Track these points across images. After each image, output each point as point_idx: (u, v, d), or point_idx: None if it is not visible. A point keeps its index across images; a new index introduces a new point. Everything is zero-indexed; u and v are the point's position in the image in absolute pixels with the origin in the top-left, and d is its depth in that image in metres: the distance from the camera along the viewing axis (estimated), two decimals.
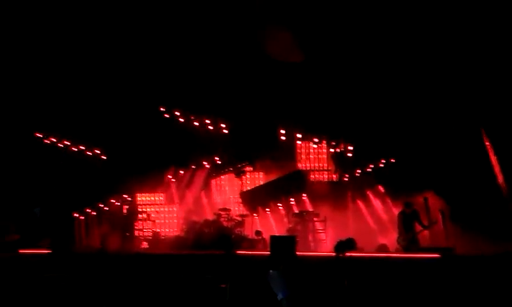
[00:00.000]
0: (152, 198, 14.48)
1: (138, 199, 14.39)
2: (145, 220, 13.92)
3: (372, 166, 13.88)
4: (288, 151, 14.61)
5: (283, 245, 9.13)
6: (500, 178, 11.93)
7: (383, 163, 13.72)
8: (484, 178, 11.95)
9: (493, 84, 11.57)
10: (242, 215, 13.25)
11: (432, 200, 11.71)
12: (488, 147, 12.27)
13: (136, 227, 13.84)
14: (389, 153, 13.47)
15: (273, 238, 9.55)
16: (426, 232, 10.74)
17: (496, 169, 12.04)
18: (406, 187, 12.32)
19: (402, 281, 8.04)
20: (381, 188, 13.55)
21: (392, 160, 13.54)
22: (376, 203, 13.47)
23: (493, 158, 12.16)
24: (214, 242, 11.07)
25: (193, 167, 14.85)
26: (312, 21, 11.84)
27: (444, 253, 9.08)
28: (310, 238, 12.20)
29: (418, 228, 10.54)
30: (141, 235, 13.74)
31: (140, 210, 14.14)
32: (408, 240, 10.29)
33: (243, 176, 14.31)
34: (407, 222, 10.51)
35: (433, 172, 12.25)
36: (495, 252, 9.10)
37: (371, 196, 13.65)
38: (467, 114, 12.05)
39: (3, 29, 12.01)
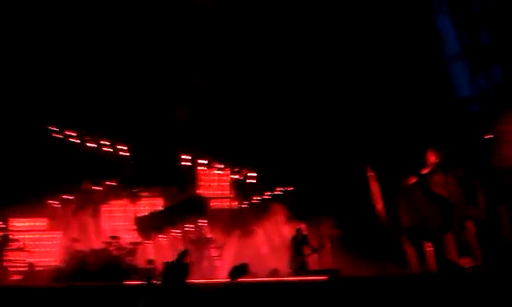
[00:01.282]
0: (32, 224, 12.93)
1: (13, 225, 12.71)
2: (20, 250, 12.29)
3: (270, 193, 14.26)
4: (191, 178, 14.35)
5: (175, 273, 8.71)
6: (379, 206, 13.07)
7: (280, 190, 14.18)
8: (366, 206, 13.00)
9: (378, 126, 12.76)
10: (134, 243, 12.47)
11: (324, 226, 12.36)
12: (370, 178, 13.45)
13: (7, 257, 12.12)
14: (287, 181, 14.00)
15: (165, 265, 9.05)
16: (315, 255, 11.22)
17: (376, 197, 13.20)
18: (301, 213, 12.85)
19: (292, 304, 8.18)
20: (278, 215, 13.92)
21: (289, 188, 14.08)
22: (272, 229, 13.77)
23: (374, 188, 13.33)
24: (99, 272, 10.16)
25: (83, 190, 13.71)
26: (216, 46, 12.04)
27: (330, 275, 9.51)
28: (206, 264, 11.92)
29: (308, 251, 10.96)
30: (12, 266, 12.04)
31: (14, 237, 12.47)
32: (298, 263, 10.63)
33: (138, 202, 13.59)
34: (298, 247, 10.90)
35: (326, 200, 12.98)
36: (376, 273, 9.79)
37: (268, 223, 13.94)
38: (356, 151, 13.09)
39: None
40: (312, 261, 11.02)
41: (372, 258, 11.10)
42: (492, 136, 12.45)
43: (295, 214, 13.04)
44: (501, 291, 7.67)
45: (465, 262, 10.99)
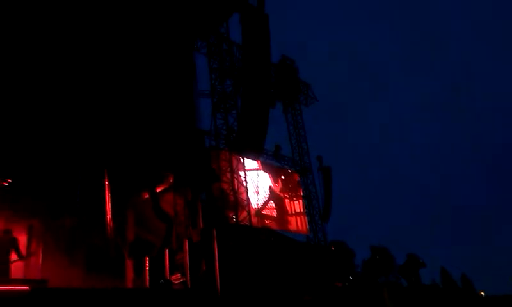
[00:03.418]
0: None
1: None
2: None
3: None
4: None
5: None
6: (109, 216, 12.74)
7: None
8: (97, 214, 12.40)
9: (122, 138, 12.48)
10: None
11: (38, 230, 10.89)
12: (106, 186, 13.00)
13: None
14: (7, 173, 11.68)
15: None
16: (22, 263, 9.71)
17: (108, 207, 12.83)
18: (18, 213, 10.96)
19: None
20: None
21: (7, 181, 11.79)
22: None
23: (107, 197, 12.93)
24: None
25: None
26: None
27: (34, 285, 8.39)
28: None
29: (14, 257, 9.38)
30: None
31: None
32: None
33: None
34: (1, 251, 9.18)
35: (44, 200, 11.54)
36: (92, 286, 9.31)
37: None
38: (95, 156, 12.37)
39: None
40: (18, 268, 9.44)
41: (93, 269, 10.56)
42: (214, 167, 14.69)
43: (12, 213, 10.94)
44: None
45: (175, 278, 11.94)
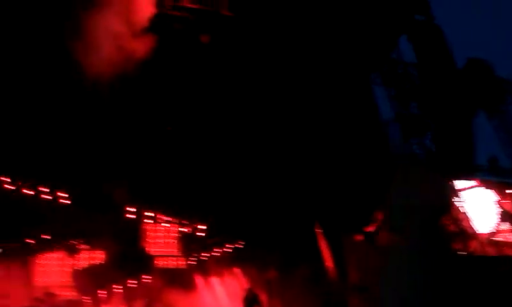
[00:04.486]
0: None
1: None
2: None
3: (219, 249, 13.95)
4: (134, 231, 13.61)
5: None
6: (329, 262, 13.36)
7: (229, 247, 13.94)
8: (316, 263, 13.23)
9: (326, 184, 13.32)
10: (71, 301, 11.37)
11: (274, 283, 12.29)
12: (319, 234, 13.82)
13: None
14: (236, 236, 13.81)
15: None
16: None
17: (325, 253, 13.52)
18: (251, 270, 12.70)
19: None
20: (226, 271, 13.59)
21: (238, 244, 13.89)
22: (220, 285, 13.37)
23: (323, 244, 13.67)
24: None
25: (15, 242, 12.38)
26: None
27: None
28: None
29: None
30: None
31: None
32: None
33: (77, 255, 12.57)
34: (250, 305, 10.72)
35: (275, 256, 12.99)
36: None
37: (216, 279, 13.53)
38: (305, 206, 13.45)
39: None
40: None
41: None
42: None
43: (245, 270, 12.81)
44: None
45: None
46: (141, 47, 11.29)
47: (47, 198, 12.50)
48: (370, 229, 12.61)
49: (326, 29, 13.41)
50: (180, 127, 12.62)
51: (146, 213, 13.56)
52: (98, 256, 13.01)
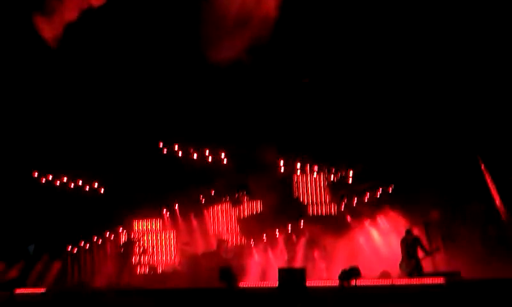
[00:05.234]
0: (148, 226, 14.33)
1: (135, 228, 14.25)
2: (142, 253, 13.68)
3: (372, 194, 13.78)
4: (287, 180, 14.47)
5: (293, 278, 8.54)
6: (498, 201, 11.94)
7: (383, 190, 13.64)
8: (483, 201, 11.96)
9: (488, 115, 11.65)
10: (240, 246, 13.01)
11: (433, 226, 11.66)
12: (484, 171, 12.34)
13: (133, 261, 13.59)
14: (388, 179, 13.38)
15: (281, 271, 8.61)
16: (429, 258, 10.61)
17: (494, 192, 12.07)
18: (406, 213, 12.26)
19: None
20: (380, 216, 13.42)
21: (390, 187, 13.49)
22: (375, 230, 13.32)
23: (490, 182, 12.20)
24: (214, 275, 10.73)
25: (189, 197, 14.68)
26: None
27: (449, 278, 8.93)
28: (310, 267, 11.92)
29: (421, 254, 10.41)
30: (138, 269, 13.43)
31: (136, 241, 13.95)
32: (411, 266, 10.14)
33: (240, 206, 14.16)
34: (409, 249, 10.39)
35: (432, 196, 12.20)
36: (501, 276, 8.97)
37: (370, 224, 13.51)
38: (464, 141, 12.10)
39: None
40: (425, 263, 10.43)
41: (489, 259, 10.22)
42: None
43: (402, 214, 12.40)
44: None
45: None
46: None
47: (209, 160, 14.21)
48: None
49: None
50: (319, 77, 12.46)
51: (297, 164, 14.19)
52: (257, 206, 14.38)
